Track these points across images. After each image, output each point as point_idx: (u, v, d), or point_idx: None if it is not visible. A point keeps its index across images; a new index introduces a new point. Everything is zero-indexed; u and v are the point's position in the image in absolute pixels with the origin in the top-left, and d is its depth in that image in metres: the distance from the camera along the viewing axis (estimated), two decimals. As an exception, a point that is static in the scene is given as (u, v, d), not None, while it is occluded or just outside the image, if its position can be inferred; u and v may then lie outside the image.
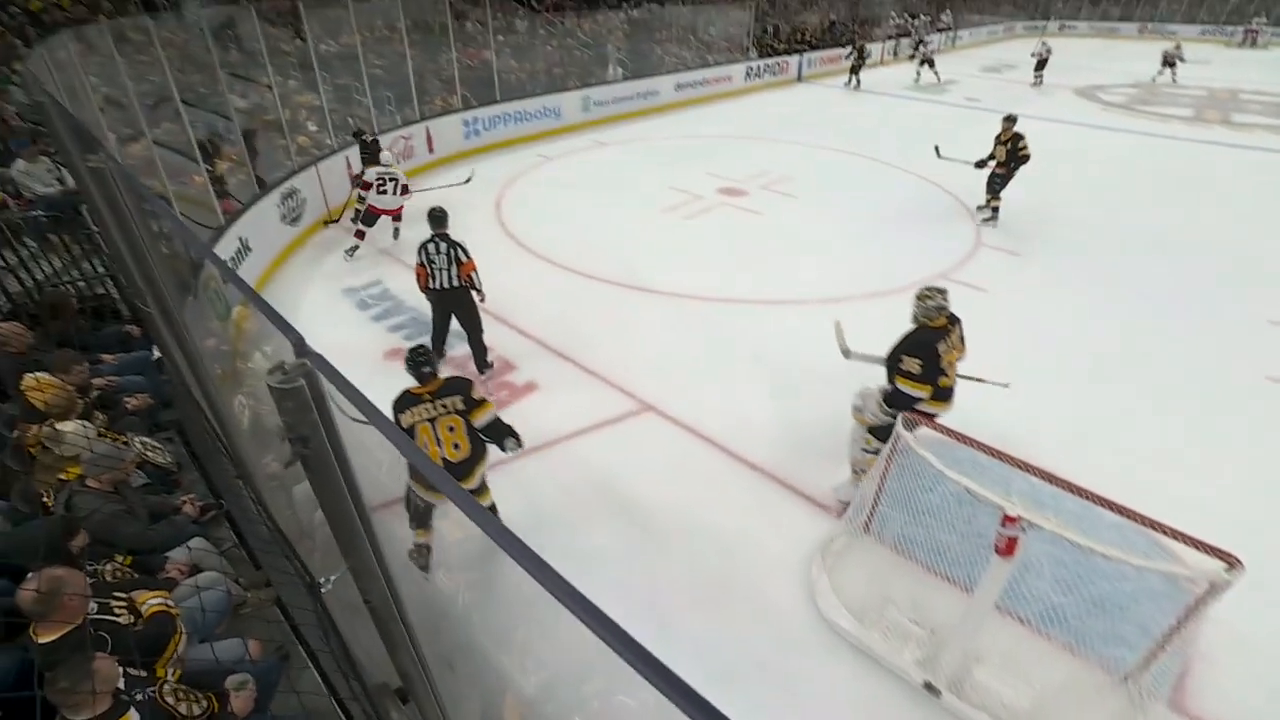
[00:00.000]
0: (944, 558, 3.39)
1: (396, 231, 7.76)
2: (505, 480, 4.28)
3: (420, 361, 3.33)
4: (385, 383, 5.20)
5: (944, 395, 3.70)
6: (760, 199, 9.29)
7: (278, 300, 6.52)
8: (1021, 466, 3.03)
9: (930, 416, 3.46)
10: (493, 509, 3.71)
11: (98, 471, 2.91)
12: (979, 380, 4.11)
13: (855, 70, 17.65)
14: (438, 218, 5.01)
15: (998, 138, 8.11)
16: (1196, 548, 2.57)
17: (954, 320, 3.72)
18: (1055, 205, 9.45)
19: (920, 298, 3.66)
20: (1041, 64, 18.66)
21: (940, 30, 25.47)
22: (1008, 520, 2.53)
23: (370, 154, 8.05)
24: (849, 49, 18.12)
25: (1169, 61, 17.61)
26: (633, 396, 5.11)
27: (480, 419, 3.33)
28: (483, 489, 3.58)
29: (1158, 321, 6.39)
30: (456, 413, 3.27)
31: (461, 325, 5.21)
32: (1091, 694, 3.07)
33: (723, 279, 6.93)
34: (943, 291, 3.64)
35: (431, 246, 4.93)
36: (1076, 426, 4.76)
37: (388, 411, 4.66)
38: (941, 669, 3.03)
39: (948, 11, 27.95)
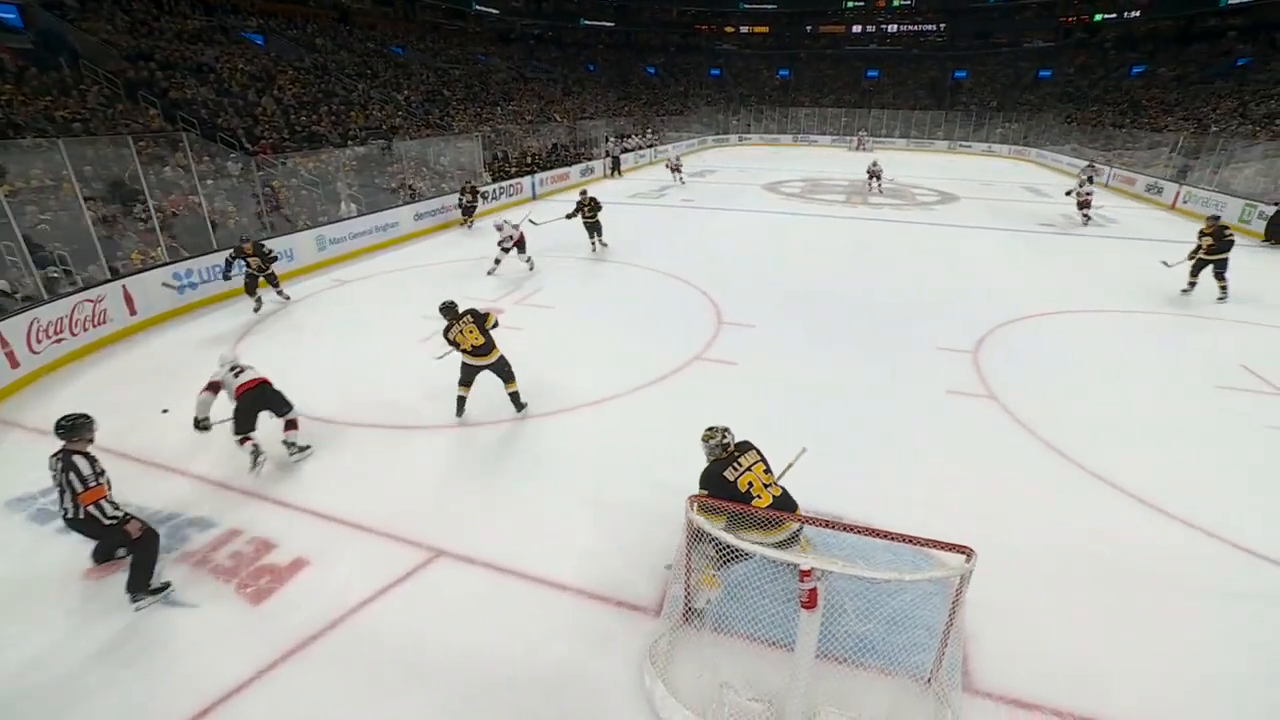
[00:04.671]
0: (761, 624, 3.51)
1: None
2: (273, 693, 3.50)
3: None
4: (91, 609, 4.06)
5: (763, 520, 3.51)
6: (518, 314, 9.41)
7: (-103, 537, 4.77)
8: (802, 519, 3.32)
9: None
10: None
11: None
12: (789, 467, 4.31)
13: (468, 211, 15.80)
14: (66, 428, 3.93)
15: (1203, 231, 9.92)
16: (940, 548, 3.01)
17: (743, 448, 3.84)
18: (769, 278, 11.23)
19: (703, 439, 3.85)
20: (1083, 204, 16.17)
21: (651, 145, 29.69)
22: (803, 575, 2.71)
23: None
24: (460, 192, 16.01)
25: (873, 174, 20.96)
26: (419, 545, 4.60)
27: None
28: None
29: (863, 360, 7.76)
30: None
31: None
32: (911, 706, 3.34)
33: (493, 401, 6.68)
34: (722, 429, 3.84)
35: (51, 462, 3.90)
36: (828, 466, 5.20)
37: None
38: (787, 737, 3.05)
39: (651, 131, 32.77)
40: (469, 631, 3.89)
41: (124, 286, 8.83)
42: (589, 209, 12.67)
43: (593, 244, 13.03)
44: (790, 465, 4.31)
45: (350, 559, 4.49)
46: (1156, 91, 32.73)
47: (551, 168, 22.11)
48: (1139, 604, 4.11)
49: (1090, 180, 16.40)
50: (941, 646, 3.28)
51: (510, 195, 18.93)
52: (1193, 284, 10.17)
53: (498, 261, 11.54)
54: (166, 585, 4.21)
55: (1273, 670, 3.67)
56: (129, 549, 4.08)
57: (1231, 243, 9.85)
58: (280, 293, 10.12)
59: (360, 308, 10.19)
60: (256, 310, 9.72)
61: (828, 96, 45.55)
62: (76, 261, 9.17)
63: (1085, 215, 15.82)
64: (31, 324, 7.37)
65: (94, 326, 8.30)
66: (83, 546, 4.60)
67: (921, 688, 3.43)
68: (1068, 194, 16.49)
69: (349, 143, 18.05)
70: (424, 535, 4.69)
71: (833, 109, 42.97)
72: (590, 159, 24.95)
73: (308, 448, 5.81)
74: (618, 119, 32.82)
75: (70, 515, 3.91)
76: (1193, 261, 10.07)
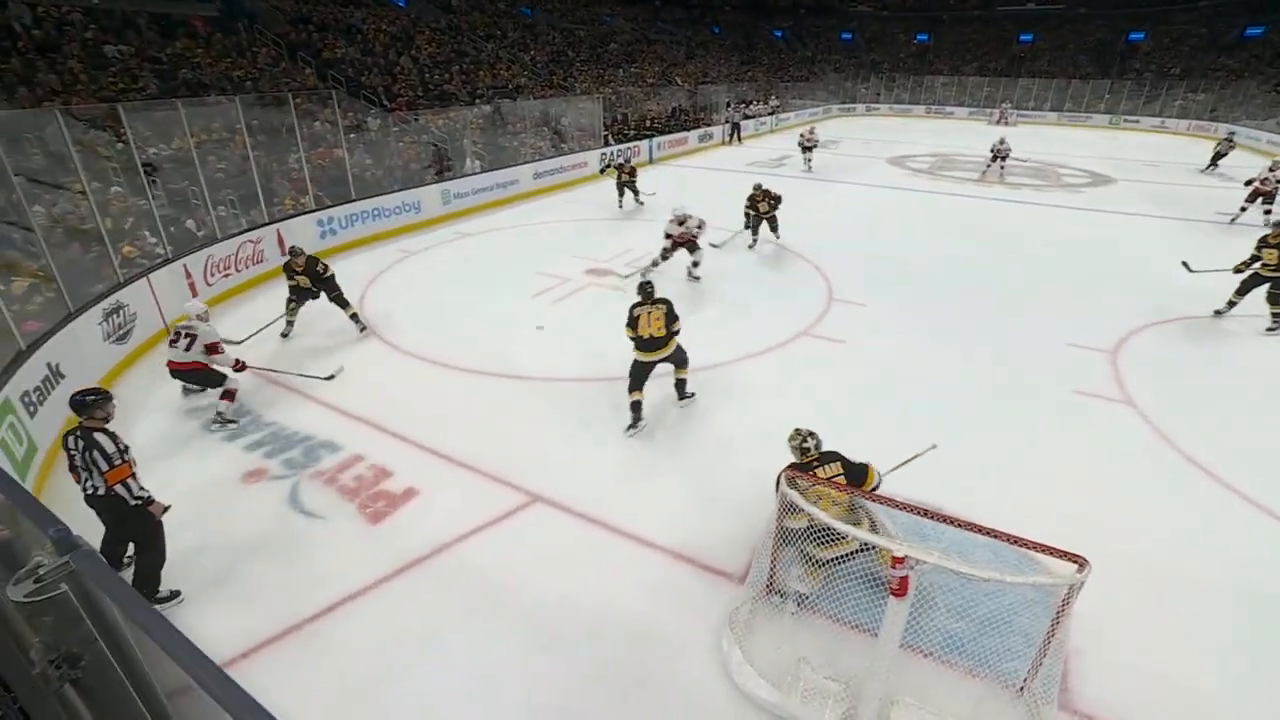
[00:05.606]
0: (846, 606, 3.47)
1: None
2: (384, 603, 3.91)
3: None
4: (246, 507, 4.69)
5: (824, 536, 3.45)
6: (629, 278, 9.57)
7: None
8: (900, 506, 3.22)
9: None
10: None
11: None
12: (910, 460, 4.26)
13: (631, 186, 14.02)
14: (78, 403, 3.79)
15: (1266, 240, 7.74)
16: (1049, 553, 2.83)
17: (827, 459, 3.74)
18: (886, 257, 10.65)
19: (788, 439, 3.84)
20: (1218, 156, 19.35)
21: (773, 113, 28.76)
22: (896, 561, 2.65)
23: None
24: (607, 165, 14.70)
25: (998, 155, 18.18)
26: (519, 489, 4.90)
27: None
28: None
29: (981, 350, 7.24)
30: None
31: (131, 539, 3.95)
32: (997, 711, 3.21)
33: (597, 359, 6.91)
34: (806, 433, 3.79)
35: (71, 440, 3.72)
36: (936, 454, 5.06)
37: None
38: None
39: (774, 97, 31.61)
40: (558, 576, 4.12)
41: (278, 230, 9.85)
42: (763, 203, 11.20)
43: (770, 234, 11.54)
44: (912, 458, 4.24)
45: (455, 494, 4.87)
46: None
47: (670, 132, 21.96)
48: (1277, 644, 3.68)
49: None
50: (1039, 656, 3.11)
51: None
52: (1232, 304, 8.15)
53: (663, 259, 9.68)
54: (176, 593, 3.99)
55: None
56: (139, 547, 3.88)
57: None
58: (355, 318, 7.62)
59: (479, 260, 10.73)
60: (285, 336, 7.53)
61: (970, 64, 41.64)
62: (242, 206, 10.33)
63: (1265, 209, 13.00)
64: (207, 260, 8.43)
65: (253, 265, 9.36)
66: (243, 456, 5.33)
67: (1012, 696, 3.28)
68: (1248, 183, 13.70)
69: (476, 101, 18.80)
70: (523, 480, 4.99)
71: (974, 78, 39.20)
72: (710, 124, 24.51)
73: (234, 422, 5.76)
74: (740, 84, 31.89)
75: (93, 493, 3.73)
76: (1242, 277, 8.01)
